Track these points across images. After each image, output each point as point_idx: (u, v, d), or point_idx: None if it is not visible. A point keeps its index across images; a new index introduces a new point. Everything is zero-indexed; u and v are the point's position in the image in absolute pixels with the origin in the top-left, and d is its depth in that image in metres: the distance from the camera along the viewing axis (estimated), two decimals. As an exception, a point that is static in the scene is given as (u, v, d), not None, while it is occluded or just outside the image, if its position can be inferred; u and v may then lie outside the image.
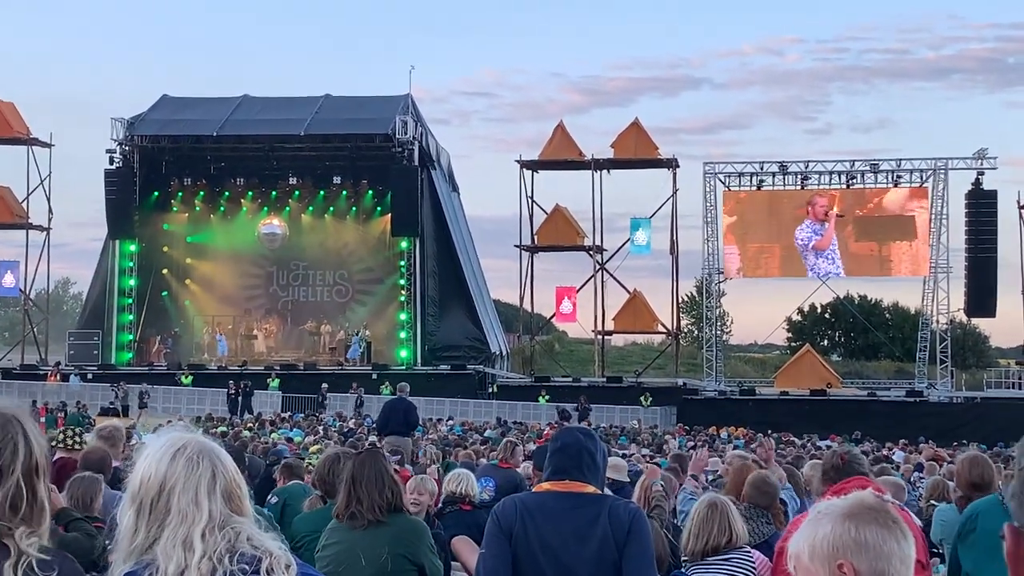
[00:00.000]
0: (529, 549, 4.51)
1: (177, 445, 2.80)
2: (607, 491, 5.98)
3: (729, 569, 5.47)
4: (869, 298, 75.89)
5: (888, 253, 52.60)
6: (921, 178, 52.08)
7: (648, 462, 15.95)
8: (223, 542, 2.67)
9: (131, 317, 52.99)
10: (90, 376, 48.01)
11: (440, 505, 8.81)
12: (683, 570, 5.57)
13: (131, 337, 53.05)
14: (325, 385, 44.96)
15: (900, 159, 52.68)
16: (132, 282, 52.87)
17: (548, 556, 4.50)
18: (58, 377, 47.95)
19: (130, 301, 52.90)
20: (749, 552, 5.63)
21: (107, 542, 5.86)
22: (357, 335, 52.19)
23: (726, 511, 5.70)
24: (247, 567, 2.64)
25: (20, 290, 57.30)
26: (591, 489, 4.63)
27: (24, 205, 56.54)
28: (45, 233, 57.19)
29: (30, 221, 56.58)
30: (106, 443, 8.52)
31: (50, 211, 57.15)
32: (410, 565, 5.45)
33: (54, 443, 8.95)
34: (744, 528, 5.76)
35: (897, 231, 52.09)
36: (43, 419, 36.44)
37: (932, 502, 10.07)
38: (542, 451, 9.43)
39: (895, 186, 52.23)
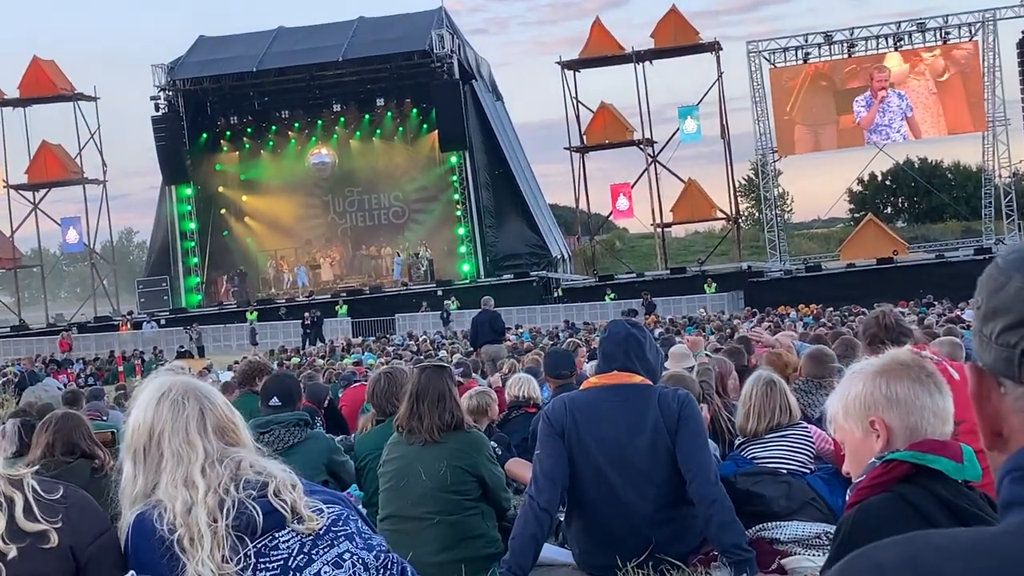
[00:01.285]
0: (582, 446, 4.57)
1: (161, 390, 2.85)
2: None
3: (787, 444, 5.47)
4: (929, 160, 74.70)
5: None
6: (970, 32, 50.92)
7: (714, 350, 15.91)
8: (226, 473, 2.73)
9: (196, 260, 53.54)
10: (163, 322, 48.77)
11: (507, 410, 8.93)
12: (739, 451, 5.58)
13: (198, 279, 53.64)
14: (448, 301, 45.08)
15: (947, 15, 51.54)
16: (192, 225, 53.34)
17: (602, 450, 4.56)
18: (130, 326, 48.76)
19: (193, 244, 53.42)
20: (806, 427, 5.64)
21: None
22: (399, 256, 52.49)
23: (784, 388, 5.69)
24: (253, 492, 2.72)
25: (85, 244, 58.12)
26: (638, 379, 4.67)
27: (77, 160, 57.14)
28: (102, 186, 57.89)
29: (85, 176, 57.21)
30: None
31: (104, 164, 57.86)
32: (470, 477, 5.51)
33: None
34: (797, 404, 5.74)
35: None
36: (121, 368, 37.23)
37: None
38: (553, 355, 9.51)
39: (944, 43, 51.18)
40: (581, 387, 4.99)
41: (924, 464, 2.65)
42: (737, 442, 5.70)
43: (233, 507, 2.68)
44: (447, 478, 5.45)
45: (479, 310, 23.15)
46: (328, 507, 2.79)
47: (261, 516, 2.68)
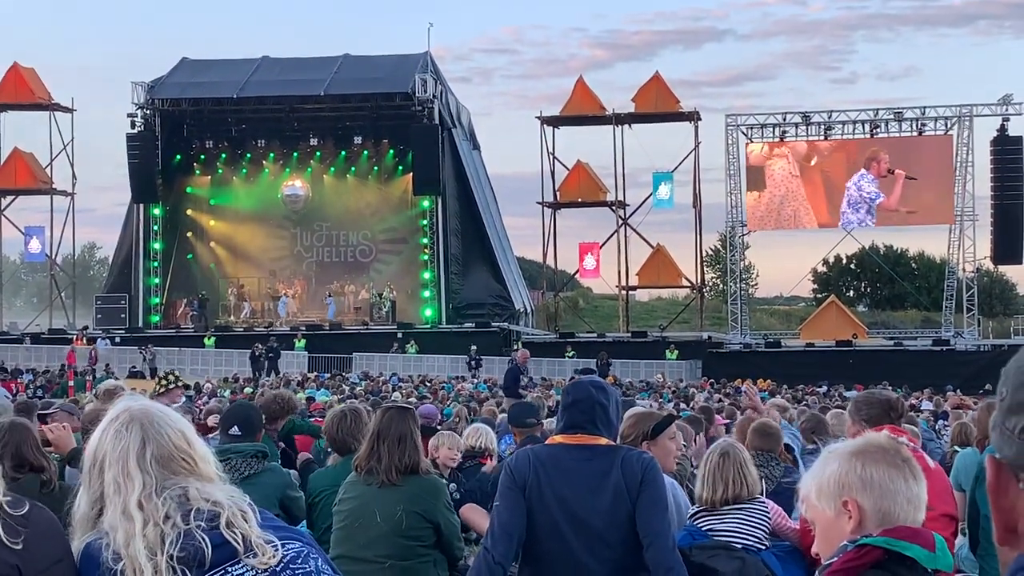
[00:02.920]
0: (543, 501, 4.52)
1: (112, 416, 2.78)
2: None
3: (743, 517, 5.42)
4: (895, 248, 75.42)
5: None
6: (946, 125, 51.64)
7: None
8: (170, 504, 2.63)
9: (157, 280, 53.21)
10: (118, 340, 48.29)
11: (460, 459, 8.85)
12: (693, 522, 5.52)
13: (158, 300, 53.26)
14: (474, 347, 44.60)
15: (924, 107, 52.30)
16: (157, 245, 53.03)
17: (562, 508, 4.51)
18: (84, 341, 48.21)
19: (156, 264, 53.09)
20: (764, 502, 5.58)
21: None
22: (330, 297, 52.39)
23: (739, 459, 5.60)
24: (203, 523, 2.61)
25: (46, 255, 57.69)
26: (604, 441, 4.63)
27: (48, 171, 56.79)
28: (70, 198, 57.61)
29: (54, 186, 56.85)
30: (109, 402, 8.57)
31: (74, 176, 57.67)
32: (425, 523, 5.47)
33: (162, 389, 9.81)
34: (758, 477, 5.69)
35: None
36: (71, 383, 36.79)
37: (956, 448, 10.05)
38: (518, 406, 9.45)
39: (920, 134, 51.86)
40: (546, 443, 4.94)
41: (897, 551, 2.63)
42: (692, 510, 5.64)
43: (178, 539, 2.58)
44: (403, 522, 5.39)
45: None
46: (286, 543, 2.68)
47: (210, 548, 2.58)
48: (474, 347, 44.41)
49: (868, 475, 2.77)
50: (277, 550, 2.64)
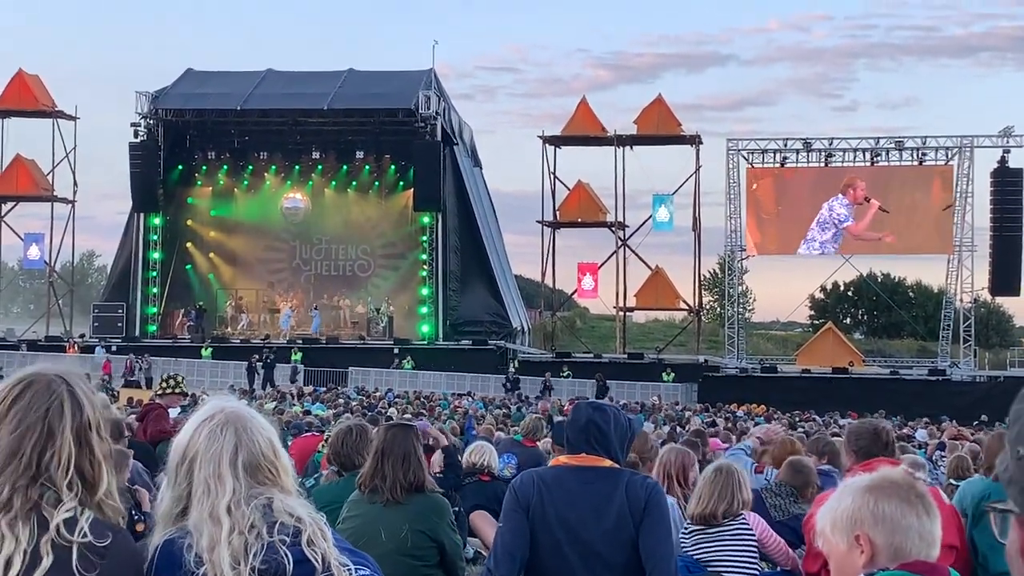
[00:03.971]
0: (546, 523, 4.53)
1: (206, 415, 2.77)
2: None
3: (730, 542, 5.44)
4: (892, 276, 75.53)
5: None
6: (947, 156, 51.69)
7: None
8: (256, 514, 2.62)
9: (155, 290, 53.12)
10: (114, 348, 48.21)
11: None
12: (685, 550, 5.53)
13: (155, 310, 53.20)
14: (512, 368, 44.93)
15: (925, 137, 52.32)
16: (157, 255, 52.98)
17: (565, 531, 4.52)
18: (76, 349, 48.09)
19: (155, 274, 52.99)
20: (744, 517, 5.60)
21: (134, 513, 5.90)
22: (290, 310, 52.34)
23: (731, 478, 5.62)
24: (286, 538, 2.61)
25: (45, 262, 57.63)
26: (608, 463, 4.64)
27: (49, 178, 56.79)
28: (70, 206, 57.56)
29: (55, 194, 56.84)
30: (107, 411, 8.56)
31: (75, 184, 57.53)
32: (430, 542, 5.47)
33: (160, 392, 9.98)
34: (749, 497, 5.71)
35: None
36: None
37: (952, 481, 10.06)
38: (560, 425, 9.46)
39: (920, 164, 51.89)
40: (551, 464, 4.96)
41: (912, 585, 2.64)
42: (683, 529, 5.68)
43: (261, 551, 2.58)
44: (408, 541, 5.39)
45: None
46: (359, 568, 2.69)
47: (292, 565, 2.58)
48: (512, 368, 44.49)
49: (880, 510, 2.79)
50: (351, 574, 2.65)
